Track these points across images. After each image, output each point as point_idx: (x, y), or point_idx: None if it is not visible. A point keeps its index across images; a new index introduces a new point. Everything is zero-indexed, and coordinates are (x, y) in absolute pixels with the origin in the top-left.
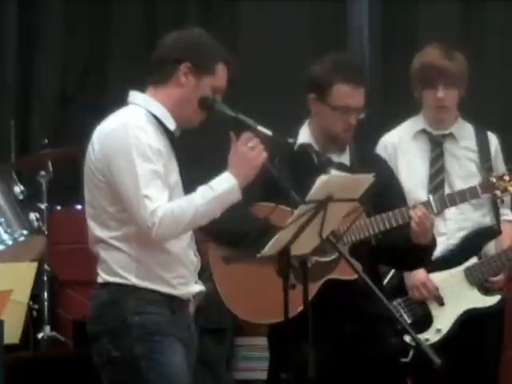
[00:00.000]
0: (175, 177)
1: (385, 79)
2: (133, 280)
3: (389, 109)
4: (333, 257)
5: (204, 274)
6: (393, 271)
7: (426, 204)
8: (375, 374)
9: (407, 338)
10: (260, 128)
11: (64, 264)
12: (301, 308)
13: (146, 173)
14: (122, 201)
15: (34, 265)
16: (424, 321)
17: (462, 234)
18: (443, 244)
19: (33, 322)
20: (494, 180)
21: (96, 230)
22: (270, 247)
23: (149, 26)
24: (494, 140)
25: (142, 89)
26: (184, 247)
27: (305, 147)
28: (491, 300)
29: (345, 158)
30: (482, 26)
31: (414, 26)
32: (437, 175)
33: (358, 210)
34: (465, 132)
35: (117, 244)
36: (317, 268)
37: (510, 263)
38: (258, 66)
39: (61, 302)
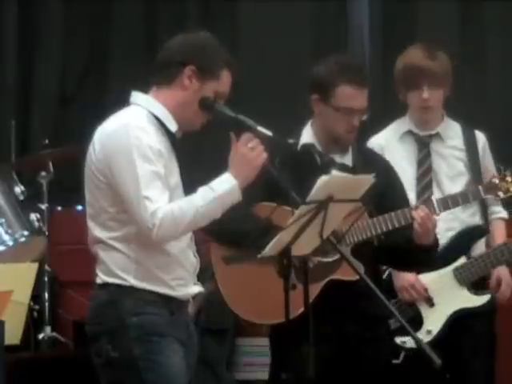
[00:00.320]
0: (176, 178)
1: (385, 78)
2: (131, 281)
3: (389, 108)
4: (335, 257)
5: (205, 274)
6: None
7: (429, 205)
8: (375, 374)
9: (398, 340)
10: (260, 128)
11: (64, 265)
12: (302, 310)
13: (146, 174)
14: (123, 202)
15: (35, 265)
16: (414, 322)
17: (451, 234)
18: None
19: (33, 323)
20: (497, 181)
21: (96, 230)
22: (271, 248)
23: (149, 27)
24: (481, 138)
25: (142, 89)
26: (183, 248)
27: (307, 147)
28: (481, 299)
29: (347, 159)
30: (481, 26)
31: (414, 25)
32: (424, 176)
33: (359, 210)
34: (451, 131)
35: (116, 245)
36: (319, 268)
37: (498, 261)
38: (258, 66)
39: (61, 303)
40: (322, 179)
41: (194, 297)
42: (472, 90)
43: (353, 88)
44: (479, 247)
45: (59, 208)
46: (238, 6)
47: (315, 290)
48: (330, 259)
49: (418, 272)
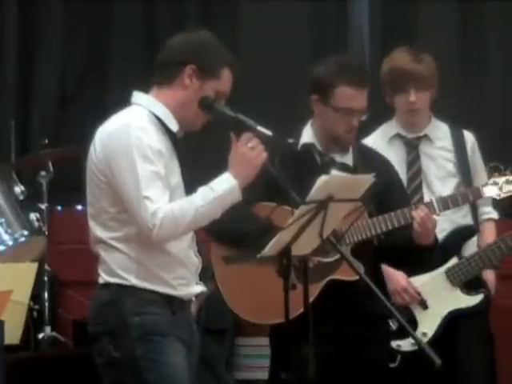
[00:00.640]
0: (177, 178)
1: None
2: (133, 281)
3: (389, 108)
4: (335, 257)
5: (205, 274)
6: None
7: (429, 205)
8: (376, 375)
9: (394, 344)
10: (260, 128)
11: (64, 264)
12: (302, 310)
13: (146, 174)
14: (123, 202)
15: (35, 265)
16: (409, 325)
17: (443, 235)
18: None
19: (33, 323)
20: (497, 181)
21: (97, 230)
22: (271, 248)
23: (148, 26)
24: (470, 138)
25: (143, 89)
26: (185, 248)
27: (308, 147)
28: (474, 299)
29: (348, 159)
30: (481, 26)
31: (414, 25)
32: (414, 178)
33: (359, 210)
34: (440, 132)
35: (117, 245)
36: (319, 268)
37: (489, 261)
38: (258, 66)
39: (61, 303)
40: (322, 179)
41: (197, 296)
42: (472, 90)
43: (352, 88)
44: (471, 247)
45: (59, 208)
46: (238, 6)
47: (315, 289)
48: (330, 259)
49: (412, 273)
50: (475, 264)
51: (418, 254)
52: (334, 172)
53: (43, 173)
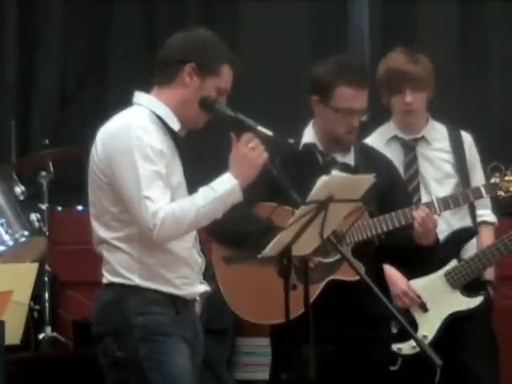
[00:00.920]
0: (178, 177)
1: None
2: (136, 280)
3: (388, 108)
4: (336, 257)
5: (206, 274)
6: None
7: (429, 205)
8: (376, 376)
9: (394, 347)
10: (260, 128)
11: (65, 265)
12: (302, 310)
13: (147, 174)
14: (124, 202)
15: (35, 265)
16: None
17: (441, 237)
18: None
19: (33, 323)
20: (498, 181)
21: (99, 230)
22: (271, 248)
23: (148, 26)
24: (468, 139)
25: (143, 89)
26: (188, 247)
27: (309, 147)
28: (474, 302)
29: (349, 159)
30: (482, 26)
31: (414, 25)
32: (412, 180)
33: (360, 210)
34: (437, 133)
35: (119, 245)
36: (320, 269)
37: (489, 263)
38: (258, 66)
39: (61, 303)
40: (322, 179)
41: (201, 295)
42: (472, 90)
43: (352, 89)
44: (470, 249)
45: (59, 208)
46: (238, 6)
47: (316, 290)
48: (330, 259)
49: (413, 275)
50: (474, 266)
51: (419, 254)
52: (334, 172)
53: (44, 173)
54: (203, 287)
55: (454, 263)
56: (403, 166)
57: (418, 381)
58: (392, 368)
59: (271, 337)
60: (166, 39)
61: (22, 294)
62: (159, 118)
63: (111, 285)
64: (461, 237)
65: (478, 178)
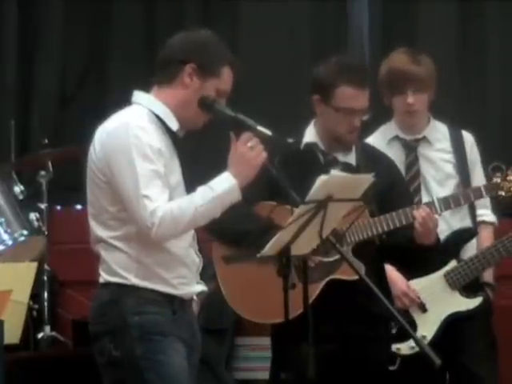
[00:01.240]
0: (177, 177)
1: None
2: (133, 280)
3: (385, 108)
4: (336, 257)
5: (205, 274)
6: None
7: (430, 205)
8: (375, 375)
9: (393, 347)
10: (259, 128)
11: (64, 264)
12: (302, 310)
13: (146, 173)
14: (122, 200)
15: (34, 265)
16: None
17: (441, 237)
18: None
19: (33, 322)
20: (499, 180)
21: (97, 229)
22: (270, 247)
23: (148, 26)
24: (469, 139)
25: (142, 88)
26: (185, 247)
27: (311, 146)
28: (473, 302)
29: (351, 158)
30: (481, 26)
31: (414, 25)
32: (413, 181)
33: (359, 209)
34: (438, 134)
35: (117, 244)
36: (320, 268)
37: (488, 264)
38: (258, 66)
39: (61, 302)
40: (321, 179)
41: (198, 295)
42: (471, 90)
43: (353, 88)
44: (469, 250)
45: (58, 207)
46: (238, 6)
47: (316, 289)
48: (330, 259)
49: (413, 275)
50: (474, 267)
51: (420, 254)
52: (334, 172)
53: (43, 173)
54: (200, 287)
55: (453, 264)
56: (404, 166)
57: (418, 381)
58: (391, 368)
59: (272, 336)
60: (166, 39)
61: (21, 293)
62: (158, 117)
63: (108, 284)
64: (461, 237)
65: (478, 177)
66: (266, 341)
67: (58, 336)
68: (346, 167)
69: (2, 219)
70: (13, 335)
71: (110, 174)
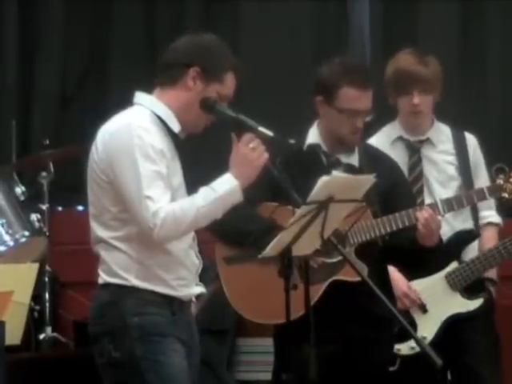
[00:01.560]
0: (179, 178)
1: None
2: (133, 281)
3: (389, 108)
4: (339, 258)
5: (206, 275)
6: None
7: (433, 206)
8: (375, 377)
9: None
10: (261, 129)
11: (65, 265)
12: (303, 311)
13: (148, 173)
14: (124, 201)
15: (36, 266)
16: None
17: (443, 238)
18: None
19: (34, 323)
20: (502, 182)
21: (98, 230)
22: (272, 248)
23: (148, 27)
24: (472, 141)
25: (143, 89)
26: (185, 249)
27: (313, 148)
28: (474, 304)
29: (354, 159)
30: (481, 26)
31: (414, 25)
32: (416, 182)
33: (361, 209)
34: (442, 135)
35: (118, 244)
36: (323, 269)
37: (490, 265)
38: (259, 66)
39: (62, 303)
40: (323, 180)
41: (197, 297)
42: (472, 90)
43: (356, 90)
44: (471, 251)
45: (60, 208)
46: (239, 7)
47: (318, 290)
48: (333, 260)
49: (414, 276)
50: (475, 268)
51: (422, 255)
52: (335, 172)
53: (44, 173)
54: (199, 289)
55: (454, 265)
56: (407, 167)
57: (418, 381)
58: (390, 368)
59: (274, 337)
60: (166, 39)
61: (23, 294)
62: (160, 118)
63: (107, 285)
64: (463, 239)
65: (482, 180)
66: (268, 342)
67: (59, 337)
68: (349, 168)
69: (3, 220)
70: (14, 336)
71: (112, 174)
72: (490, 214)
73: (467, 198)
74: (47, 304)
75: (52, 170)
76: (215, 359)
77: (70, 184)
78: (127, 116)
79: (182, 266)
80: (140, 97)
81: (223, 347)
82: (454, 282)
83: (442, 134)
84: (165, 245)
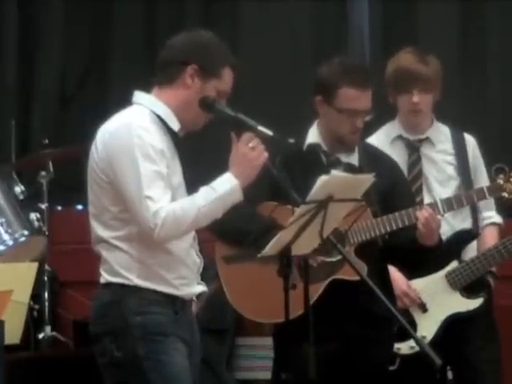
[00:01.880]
0: (178, 177)
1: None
2: (135, 280)
3: (389, 108)
4: (339, 257)
5: (207, 273)
6: None
7: (433, 205)
8: (375, 376)
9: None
10: (260, 128)
11: (64, 264)
12: (303, 311)
13: (148, 173)
14: (125, 201)
15: (35, 265)
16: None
17: (443, 238)
18: None
19: (33, 322)
20: (502, 182)
21: (98, 229)
22: (271, 247)
23: (149, 27)
24: (471, 141)
25: (143, 88)
26: (186, 248)
27: (313, 147)
28: (474, 303)
29: (354, 159)
30: (481, 26)
31: (414, 25)
32: (415, 181)
33: (361, 209)
34: (441, 135)
35: (119, 244)
36: (323, 268)
37: (489, 265)
38: (259, 66)
39: (61, 302)
40: (322, 179)
41: (198, 296)
42: (472, 90)
43: (355, 90)
44: (471, 251)
45: (59, 208)
46: (239, 6)
47: (318, 289)
48: (333, 259)
49: (414, 275)
50: (475, 268)
51: (422, 255)
52: (334, 172)
53: (43, 173)
54: (200, 288)
55: (454, 264)
56: (407, 166)
57: (418, 381)
58: (390, 368)
59: (274, 336)
60: (166, 39)
61: (22, 293)
62: (159, 117)
63: (109, 284)
64: (462, 238)
65: (482, 180)
66: (267, 341)
67: (58, 336)
68: (349, 168)
69: (3, 219)
70: (13, 335)
71: (112, 174)
72: (492, 214)
73: (467, 197)
74: (46, 303)
75: (51, 169)
76: (215, 358)
77: (70, 183)
78: (127, 115)
79: (183, 265)
80: (139, 96)
81: (223, 346)
82: (454, 282)
83: (441, 133)
84: (166, 244)
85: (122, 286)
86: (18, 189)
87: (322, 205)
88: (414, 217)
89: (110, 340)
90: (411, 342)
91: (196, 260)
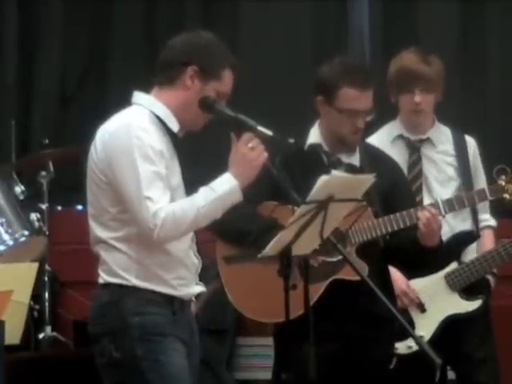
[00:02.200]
0: (177, 178)
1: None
2: (133, 281)
3: (389, 108)
4: (339, 257)
5: (206, 274)
6: None
7: (434, 206)
8: (374, 376)
9: None
10: (260, 128)
11: (65, 264)
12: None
13: (147, 174)
14: (124, 202)
15: (35, 265)
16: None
17: (443, 239)
18: None
19: (33, 323)
20: (503, 183)
21: (97, 230)
22: (271, 247)
23: (149, 26)
24: (471, 143)
25: (143, 89)
26: (185, 249)
27: (314, 147)
28: (472, 305)
29: (355, 159)
30: (481, 26)
31: (414, 25)
32: (415, 181)
33: (361, 208)
34: (442, 136)
35: (117, 245)
36: (323, 268)
37: (489, 267)
38: (259, 66)
39: (61, 303)
40: (322, 179)
41: (197, 297)
42: (472, 90)
43: (356, 90)
44: (470, 253)
45: (59, 208)
46: (239, 6)
47: (319, 289)
48: (334, 259)
49: (414, 276)
50: (475, 270)
51: (423, 255)
52: (335, 172)
53: (43, 173)
54: (199, 288)
55: (454, 265)
56: (407, 166)
57: (417, 380)
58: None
59: (274, 336)
60: (166, 39)
61: (22, 293)
62: (158, 118)
63: (108, 285)
64: (462, 239)
65: (480, 181)
66: (267, 341)
67: (58, 336)
68: (350, 168)
69: (3, 219)
70: (13, 335)
71: (111, 175)
72: (487, 217)
73: (468, 198)
74: (47, 303)
75: (52, 169)
76: (214, 358)
77: (70, 183)
78: (126, 116)
79: (181, 266)
80: (138, 96)
81: (222, 346)
82: (453, 283)
83: (442, 134)
84: (164, 245)
85: (121, 286)
86: (18, 189)
87: (323, 205)
88: (415, 217)
89: (108, 340)
90: (409, 342)
91: (194, 261)
